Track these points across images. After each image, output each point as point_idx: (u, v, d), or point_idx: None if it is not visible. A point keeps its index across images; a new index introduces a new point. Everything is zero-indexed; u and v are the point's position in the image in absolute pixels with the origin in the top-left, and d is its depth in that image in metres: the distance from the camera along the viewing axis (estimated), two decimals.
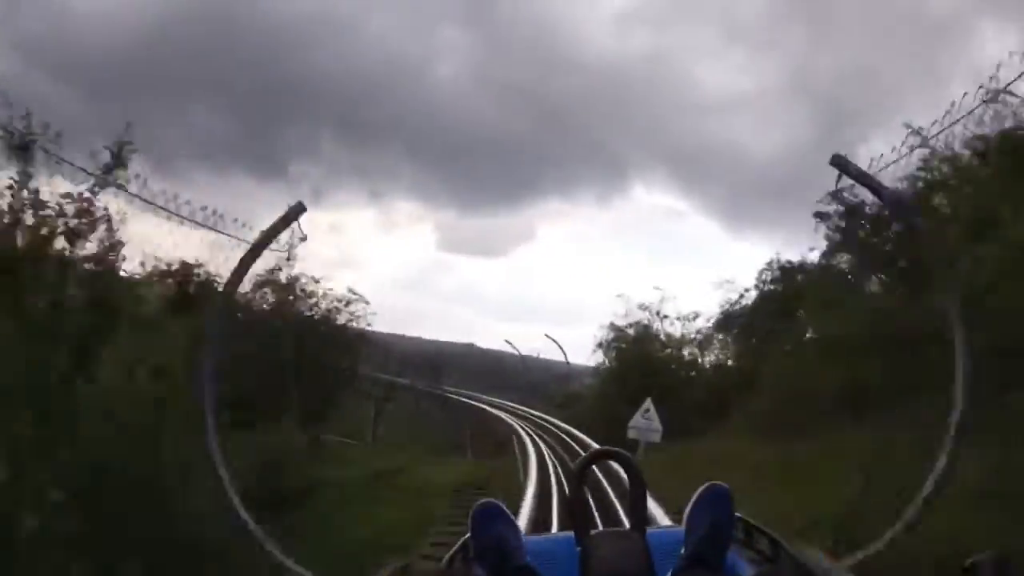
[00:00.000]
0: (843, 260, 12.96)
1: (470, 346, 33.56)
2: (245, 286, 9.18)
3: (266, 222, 6.40)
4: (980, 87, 6.54)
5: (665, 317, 20.53)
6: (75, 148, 6.54)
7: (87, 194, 6.52)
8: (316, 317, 16.12)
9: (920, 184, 9.05)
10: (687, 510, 1.35)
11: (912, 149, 7.36)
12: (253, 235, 6.76)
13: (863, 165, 6.40)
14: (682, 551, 1.27)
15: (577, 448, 15.30)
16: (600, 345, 21.47)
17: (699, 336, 20.33)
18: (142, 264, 8.02)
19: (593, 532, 1.35)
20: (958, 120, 6.75)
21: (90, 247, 6.60)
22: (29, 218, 6.20)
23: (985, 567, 0.89)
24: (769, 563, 1.39)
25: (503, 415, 25.68)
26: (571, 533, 1.37)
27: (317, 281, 15.64)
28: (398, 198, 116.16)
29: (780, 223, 63.82)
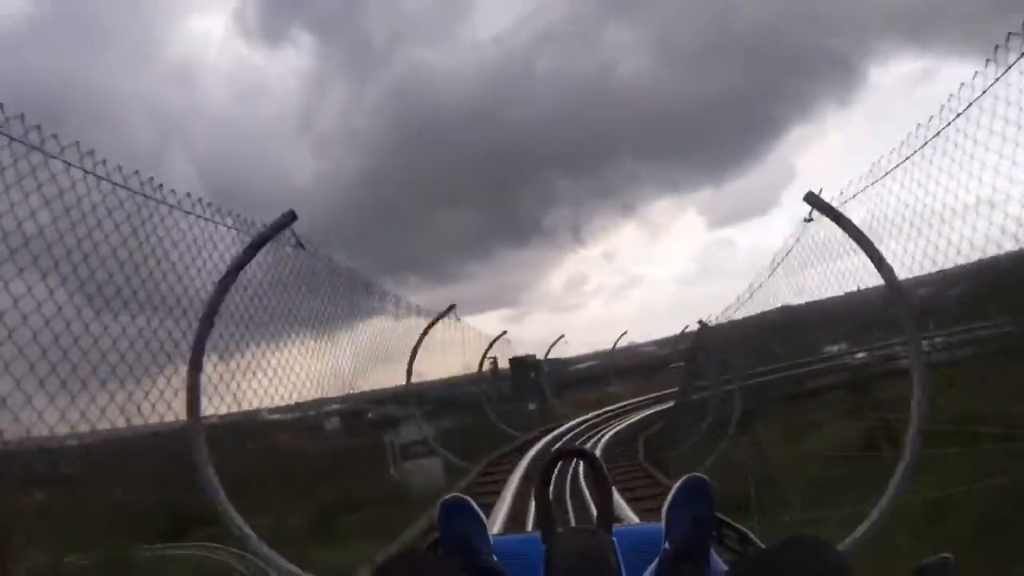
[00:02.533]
0: None
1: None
2: None
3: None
4: None
5: None
6: None
7: None
8: None
9: None
10: (667, 504, 1.33)
11: None
12: None
13: None
14: (665, 545, 1.26)
15: None
16: None
17: None
18: None
19: (559, 530, 1.32)
20: None
21: None
22: None
23: (931, 570, 0.87)
24: (737, 556, 1.39)
25: None
26: (538, 532, 1.36)
27: None
28: (649, 200, 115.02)
29: None
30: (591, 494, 8.30)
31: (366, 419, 26.50)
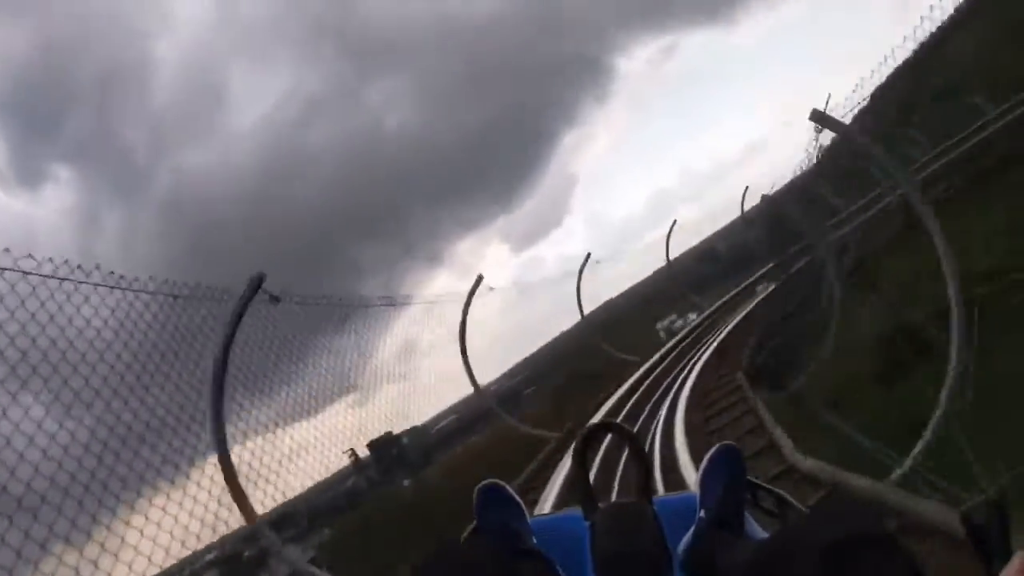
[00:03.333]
0: None
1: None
2: None
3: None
4: None
5: None
6: None
7: None
8: None
9: None
10: (699, 473, 1.34)
11: None
12: None
13: None
14: (700, 514, 1.26)
15: None
16: None
17: None
18: None
19: (601, 505, 1.32)
20: None
21: None
22: None
23: (978, 511, 0.84)
24: (775, 519, 1.36)
25: None
26: (577, 510, 1.36)
27: None
28: (452, 243, 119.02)
29: None
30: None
31: (244, 562, 23.32)
